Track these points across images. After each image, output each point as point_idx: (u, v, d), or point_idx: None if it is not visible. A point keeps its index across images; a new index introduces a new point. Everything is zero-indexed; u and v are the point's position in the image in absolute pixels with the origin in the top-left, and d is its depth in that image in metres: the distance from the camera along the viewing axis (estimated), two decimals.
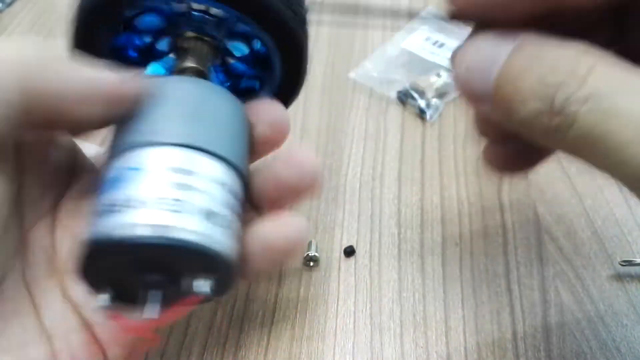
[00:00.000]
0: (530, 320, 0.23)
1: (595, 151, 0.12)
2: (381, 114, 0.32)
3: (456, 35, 0.36)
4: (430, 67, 0.34)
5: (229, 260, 0.15)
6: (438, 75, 0.33)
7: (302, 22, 0.19)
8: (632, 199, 0.28)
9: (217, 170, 0.16)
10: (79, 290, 0.16)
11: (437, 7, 0.39)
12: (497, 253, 0.25)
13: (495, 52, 0.14)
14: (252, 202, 0.18)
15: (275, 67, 0.20)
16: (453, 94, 0.33)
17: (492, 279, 0.24)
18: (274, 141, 0.19)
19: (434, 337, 0.22)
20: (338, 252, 0.25)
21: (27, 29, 0.39)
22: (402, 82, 0.33)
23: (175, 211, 0.14)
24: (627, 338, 0.22)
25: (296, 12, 0.18)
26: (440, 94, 0.33)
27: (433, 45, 0.36)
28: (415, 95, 0.32)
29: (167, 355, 0.22)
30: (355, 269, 0.25)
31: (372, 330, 0.23)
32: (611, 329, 0.23)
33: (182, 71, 0.19)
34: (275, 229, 0.17)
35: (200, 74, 0.19)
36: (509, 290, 0.24)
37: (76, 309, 0.17)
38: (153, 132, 0.16)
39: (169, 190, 0.14)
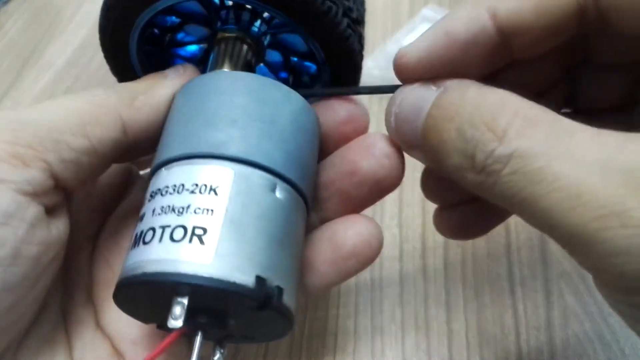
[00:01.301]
0: (534, 322, 0.23)
1: (523, 211, 0.11)
2: (382, 112, 0.32)
3: None
4: None
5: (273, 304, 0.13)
6: None
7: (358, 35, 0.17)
8: None
9: (272, 199, 0.13)
10: (112, 320, 0.16)
11: (438, 6, 0.39)
12: (500, 254, 0.25)
13: (421, 101, 0.13)
14: (316, 205, 0.17)
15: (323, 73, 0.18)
16: None
17: (494, 281, 0.24)
18: (388, 181, 0.16)
19: (435, 340, 0.22)
20: None
21: (24, 28, 0.38)
22: None
23: (216, 252, 0.12)
24: (631, 339, 0.22)
25: (353, 28, 0.17)
26: None
27: None
28: None
29: None
30: None
31: (373, 332, 0.22)
32: (615, 330, 0.22)
33: None
34: (344, 230, 0.16)
35: None
36: (512, 291, 0.24)
37: (107, 339, 0.16)
38: (195, 142, 0.14)
39: (214, 222, 0.12)
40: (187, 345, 0.14)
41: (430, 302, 0.23)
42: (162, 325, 0.13)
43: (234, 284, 0.12)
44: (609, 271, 0.10)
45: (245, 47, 0.17)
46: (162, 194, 0.13)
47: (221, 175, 0.13)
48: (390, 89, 0.16)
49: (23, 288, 0.13)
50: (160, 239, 0.12)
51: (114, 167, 0.18)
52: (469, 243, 0.25)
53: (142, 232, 0.13)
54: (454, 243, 0.26)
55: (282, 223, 0.14)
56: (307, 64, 0.19)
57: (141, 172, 0.20)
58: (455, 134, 0.12)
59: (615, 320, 0.23)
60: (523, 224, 0.26)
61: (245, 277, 0.12)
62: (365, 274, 0.24)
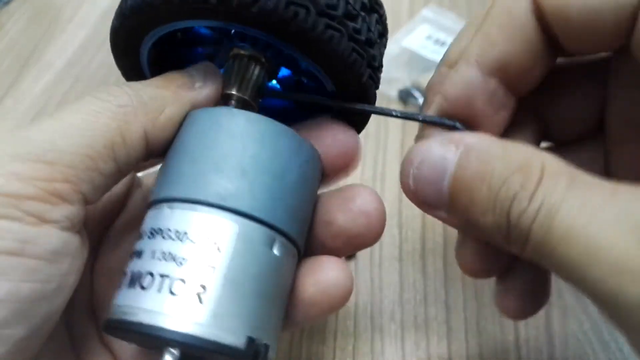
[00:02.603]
0: (533, 322, 0.23)
1: (555, 266, 0.12)
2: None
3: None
4: (431, 66, 0.34)
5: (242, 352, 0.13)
6: None
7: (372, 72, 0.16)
8: None
9: (268, 257, 0.14)
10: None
11: (438, 6, 0.39)
12: None
13: (443, 161, 0.13)
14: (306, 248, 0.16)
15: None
16: None
17: (494, 280, 0.24)
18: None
19: (435, 339, 0.22)
20: None
21: (24, 27, 0.38)
22: (403, 80, 0.33)
23: (210, 310, 0.12)
24: None
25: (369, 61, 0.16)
26: None
27: (434, 44, 0.35)
28: (417, 93, 0.32)
29: None
30: (355, 270, 0.25)
31: (373, 332, 0.22)
32: (614, 330, 0.22)
33: (226, 98, 0.16)
34: (311, 282, 0.15)
35: (247, 106, 0.16)
36: None
37: (111, 353, 0.17)
38: (202, 186, 0.14)
39: (214, 281, 0.13)
40: None
41: (429, 302, 0.23)
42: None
43: (226, 346, 0.12)
44: (631, 327, 0.11)
45: (258, 68, 0.17)
46: (163, 237, 0.13)
47: (226, 229, 0.13)
48: (410, 117, 0.16)
49: (59, 314, 0.14)
50: (159, 290, 0.13)
51: None
52: None
53: (139, 273, 0.13)
54: (453, 243, 0.26)
55: (276, 280, 0.14)
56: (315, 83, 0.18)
57: (139, 174, 0.20)
58: (487, 192, 0.13)
59: None
60: None
61: (237, 338, 0.12)
62: (365, 274, 0.24)
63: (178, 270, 0.13)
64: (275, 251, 0.14)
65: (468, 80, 0.14)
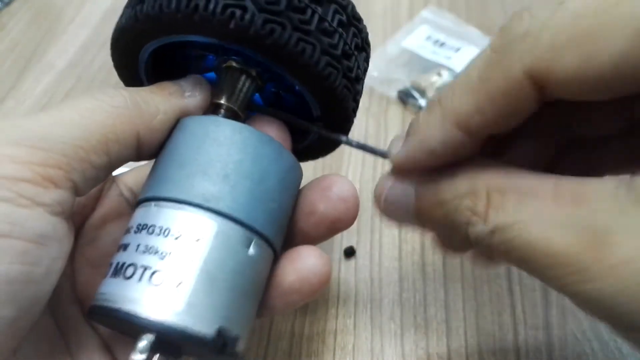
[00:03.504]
0: (532, 321, 0.23)
1: (526, 270, 0.13)
2: (382, 113, 0.32)
3: (457, 35, 0.36)
4: (430, 66, 0.34)
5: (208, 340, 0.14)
6: (439, 74, 0.33)
7: (349, 84, 0.17)
8: None
9: (239, 251, 0.15)
10: None
11: (437, 8, 0.39)
12: None
13: (405, 197, 0.15)
14: (287, 235, 0.18)
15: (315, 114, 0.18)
16: None
17: (493, 280, 0.24)
18: (343, 222, 0.18)
19: (434, 338, 0.22)
20: (338, 253, 0.25)
21: (26, 28, 0.39)
22: (403, 81, 0.33)
23: (186, 301, 0.13)
24: None
25: (348, 78, 0.17)
26: None
27: (434, 45, 0.36)
28: (416, 94, 0.32)
29: None
30: (355, 269, 0.25)
31: (373, 331, 0.23)
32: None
33: (216, 107, 0.17)
34: (291, 270, 0.16)
35: (235, 116, 0.17)
36: (510, 291, 0.24)
37: (97, 331, 0.17)
38: (188, 188, 0.15)
39: (191, 273, 0.14)
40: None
41: (429, 301, 0.23)
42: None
43: (197, 335, 0.13)
44: (603, 318, 0.12)
45: (248, 81, 0.18)
46: (148, 232, 0.14)
47: (206, 227, 0.14)
48: (373, 151, 0.17)
49: (46, 298, 0.14)
50: (140, 279, 0.14)
51: None
52: None
53: (124, 264, 0.14)
54: None
55: (251, 277, 0.15)
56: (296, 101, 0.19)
57: (114, 174, 0.20)
58: (445, 218, 0.14)
59: None
60: None
61: (208, 328, 0.14)
62: (364, 273, 0.24)
63: (159, 262, 0.14)
64: (251, 250, 0.15)
65: (444, 139, 0.14)
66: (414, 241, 0.26)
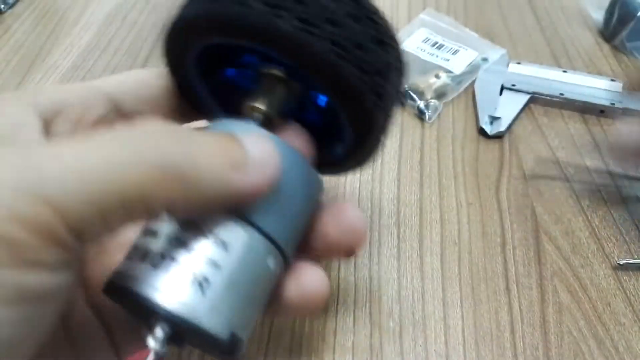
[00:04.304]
0: (529, 319, 0.23)
1: None
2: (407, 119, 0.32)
3: (455, 37, 0.37)
4: (429, 68, 0.34)
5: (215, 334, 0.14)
6: (437, 76, 0.34)
7: (382, 105, 0.17)
8: (629, 199, 0.28)
9: (251, 253, 0.15)
10: (100, 297, 0.16)
11: (436, 11, 0.40)
12: (496, 252, 0.26)
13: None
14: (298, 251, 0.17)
15: (344, 136, 0.18)
16: (451, 95, 0.33)
17: (490, 278, 0.24)
18: (348, 249, 0.17)
19: (432, 336, 0.23)
20: None
21: (30, 30, 0.39)
22: None
23: (211, 304, 0.14)
24: (625, 337, 0.23)
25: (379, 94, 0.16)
26: (439, 95, 0.33)
27: (432, 47, 0.36)
28: (414, 96, 0.32)
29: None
30: (354, 268, 0.25)
31: (372, 329, 0.23)
32: (609, 327, 0.23)
33: (251, 110, 0.17)
34: (293, 285, 0.16)
35: (267, 121, 0.17)
36: (508, 289, 0.24)
37: (98, 315, 0.17)
38: None
39: (219, 278, 0.14)
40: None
41: (427, 299, 0.24)
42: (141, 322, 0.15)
43: (215, 335, 0.14)
44: None
45: (285, 92, 0.17)
46: (180, 225, 0.14)
47: (238, 236, 0.15)
48: None
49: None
50: (167, 270, 0.14)
51: None
52: (465, 242, 0.26)
53: (151, 251, 0.14)
54: (450, 241, 0.26)
55: (265, 289, 0.16)
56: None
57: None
58: None
59: (609, 318, 0.23)
60: (518, 223, 0.27)
61: (224, 332, 0.14)
62: (363, 271, 0.25)
63: (188, 259, 0.14)
64: (271, 264, 0.15)
65: None
66: (412, 240, 0.26)
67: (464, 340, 0.22)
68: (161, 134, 0.12)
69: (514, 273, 0.25)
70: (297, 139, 0.17)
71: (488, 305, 0.23)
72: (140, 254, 0.14)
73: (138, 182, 0.12)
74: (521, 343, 0.22)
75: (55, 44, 0.38)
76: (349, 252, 0.17)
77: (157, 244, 0.14)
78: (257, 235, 0.15)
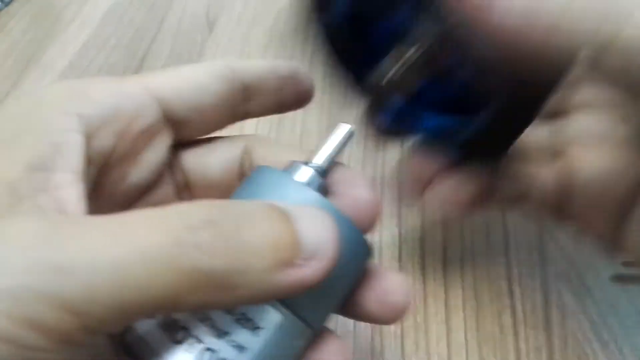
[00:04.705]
0: (532, 322, 0.23)
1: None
2: None
3: None
4: None
5: None
6: None
7: None
8: None
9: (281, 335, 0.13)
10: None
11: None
12: (499, 254, 0.25)
13: None
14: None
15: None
16: None
17: (493, 280, 0.24)
18: (386, 323, 0.16)
19: (434, 339, 0.22)
20: None
21: (26, 28, 0.39)
22: None
23: None
24: (630, 339, 0.22)
25: None
26: None
27: None
28: None
29: None
30: None
31: (373, 332, 0.23)
32: (614, 330, 0.23)
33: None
34: (373, 295, 0.15)
35: (323, 173, 0.15)
36: (511, 291, 0.24)
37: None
38: None
39: (234, 353, 0.13)
40: None
41: (429, 302, 0.23)
42: None
43: None
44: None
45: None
46: None
47: (270, 318, 0.13)
48: None
49: None
50: (189, 350, 0.13)
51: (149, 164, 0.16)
52: (468, 243, 0.26)
53: (177, 324, 0.13)
54: (453, 243, 0.26)
55: None
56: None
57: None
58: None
59: (614, 320, 0.23)
60: (521, 224, 0.26)
61: None
62: None
63: (214, 340, 0.13)
64: (301, 343, 0.14)
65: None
66: (414, 241, 0.26)
67: (466, 343, 0.22)
68: (201, 224, 0.10)
69: (517, 275, 0.24)
70: (354, 189, 0.15)
71: (491, 307, 0.23)
72: (162, 322, 0.13)
73: (172, 288, 0.10)
74: (525, 346, 0.22)
75: (51, 43, 0.37)
76: (387, 324, 0.17)
77: (184, 316, 0.13)
78: (291, 317, 0.13)
